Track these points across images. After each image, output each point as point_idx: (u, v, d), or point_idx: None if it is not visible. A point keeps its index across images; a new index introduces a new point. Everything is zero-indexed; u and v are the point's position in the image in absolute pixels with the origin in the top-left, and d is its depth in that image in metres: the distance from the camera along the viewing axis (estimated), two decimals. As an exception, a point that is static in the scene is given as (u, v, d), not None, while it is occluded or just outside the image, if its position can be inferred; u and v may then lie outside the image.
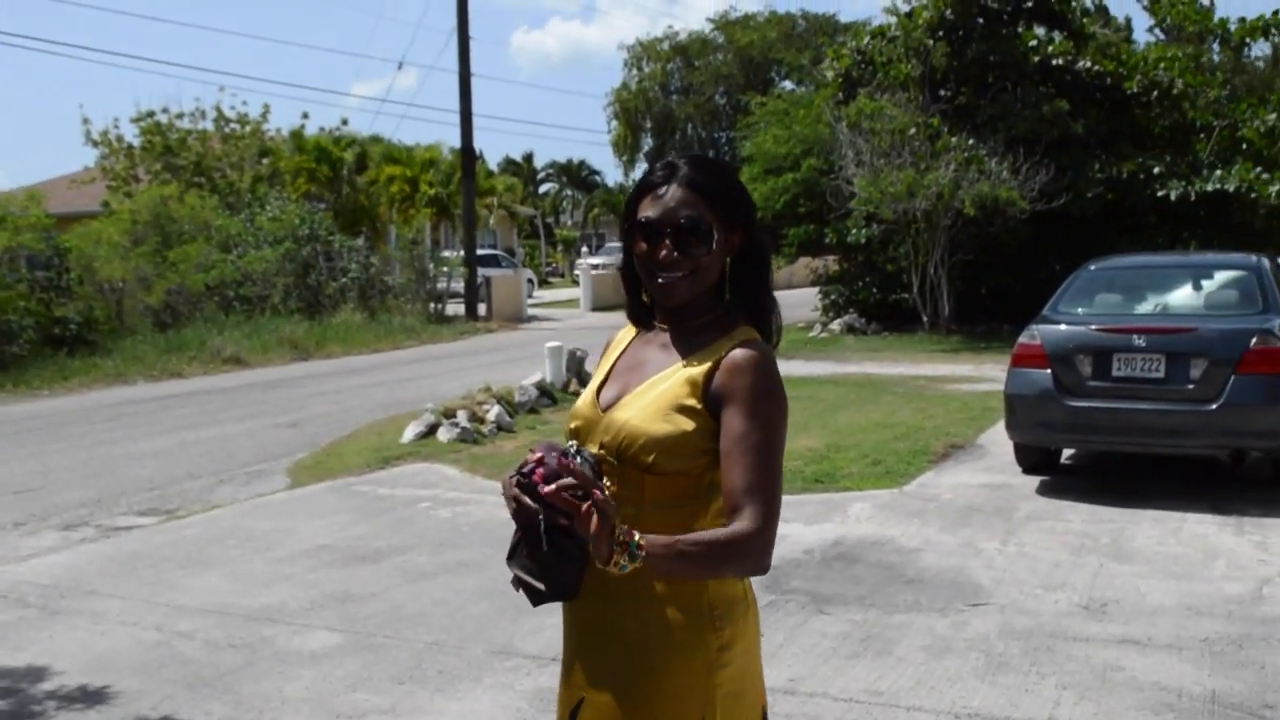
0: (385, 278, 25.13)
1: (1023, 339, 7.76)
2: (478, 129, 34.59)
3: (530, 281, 35.46)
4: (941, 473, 8.33)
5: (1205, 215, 18.39)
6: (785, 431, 1.91)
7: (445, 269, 26.05)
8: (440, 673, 4.62)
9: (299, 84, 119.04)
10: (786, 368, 1.94)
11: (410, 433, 10.15)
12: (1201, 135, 19.20)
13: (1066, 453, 8.56)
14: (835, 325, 20.90)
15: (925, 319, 19.55)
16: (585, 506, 1.68)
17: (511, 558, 2.01)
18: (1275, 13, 19.75)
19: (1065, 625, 4.98)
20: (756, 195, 19.11)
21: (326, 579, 6.02)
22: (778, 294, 2.08)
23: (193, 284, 20.74)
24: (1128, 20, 26.69)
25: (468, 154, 26.75)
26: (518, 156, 63.88)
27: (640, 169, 51.09)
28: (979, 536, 6.50)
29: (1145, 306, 8.02)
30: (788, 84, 39.58)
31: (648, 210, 1.95)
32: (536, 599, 2.00)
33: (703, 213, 1.92)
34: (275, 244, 22.58)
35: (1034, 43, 19.45)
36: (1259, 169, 17.87)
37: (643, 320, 2.10)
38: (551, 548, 1.91)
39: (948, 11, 19.26)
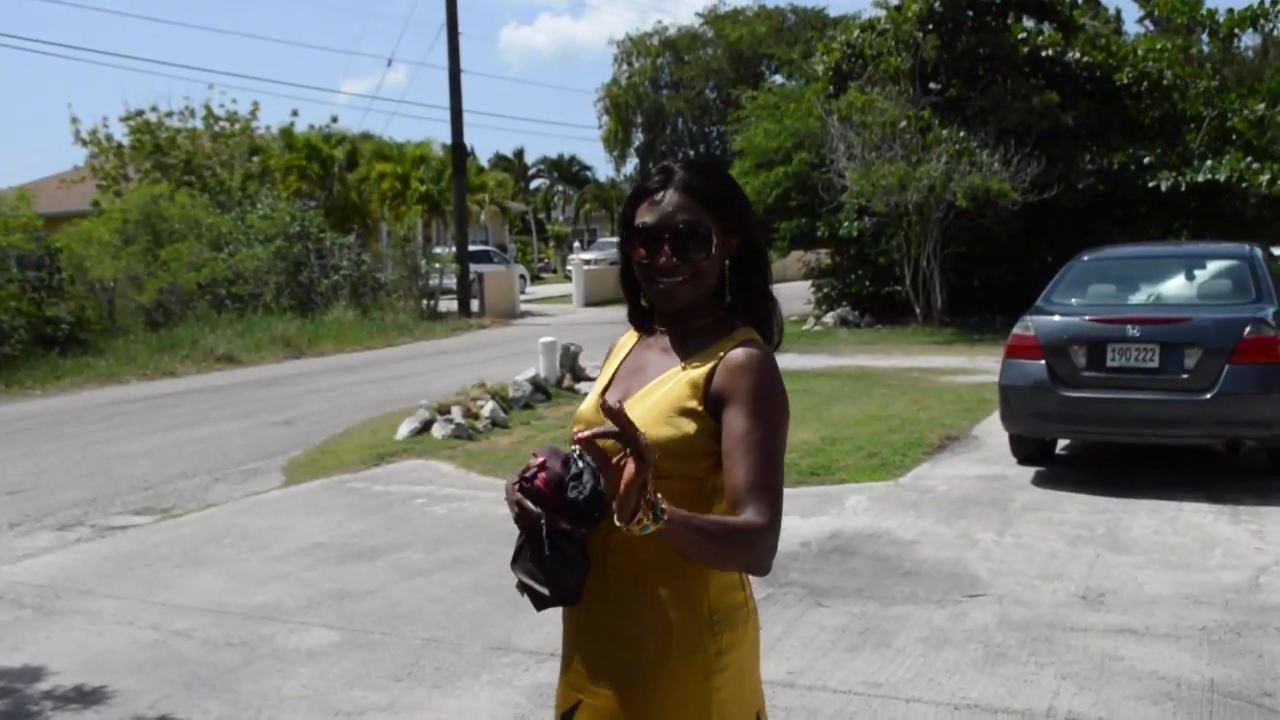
0: (377, 275, 25.09)
1: (1017, 330, 7.77)
2: (468, 125, 34.56)
3: (523, 277, 35.45)
4: (937, 464, 8.33)
5: (1196, 205, 18.45)
6: (787, 433, 1.90)
7: (437, 265, 26.01)
8: (438, 669, 4.61)
9: (288, 81, 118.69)
10: (780, 361, 1.92)
11: (405, 429, 10.13)
12: (1192, 126, 19.24)
13: (1061, 443, 8.58)
14: (828, 318, 20.92)
15: (918, 311, 19.57)
16: (617, 459, 1.63)
17: (515, 562, 2.01)
18: (1263, 3, 19.79)
19: (1063, 616, 4.98)
20: (748, 189, 19.09)
21: (323, 576, 6.00)
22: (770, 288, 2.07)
23: (184, 283, 20.68)
24: (1118, 12, 26.74)
25: (459, 150, 26.69)
26: (508, 152, 63.99)
27: (631, 164, 51.20)
28: (975, 528, 6.50)
29: (1139, 297, 8.03)
30: (778, 78, 39.50)
31: (645, 216, 1.94)
32: (540, 604, 1.99)
33: (700, 217, 1.92)
34: (266, 242, 22.53)
35: (1023, 35, 19.48)
36: (1249, 159, 17.91)
37: (643, 324, 2.10)
38: (554, 552, 1.91)
39: (937, 4, 19.29)
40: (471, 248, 28.21)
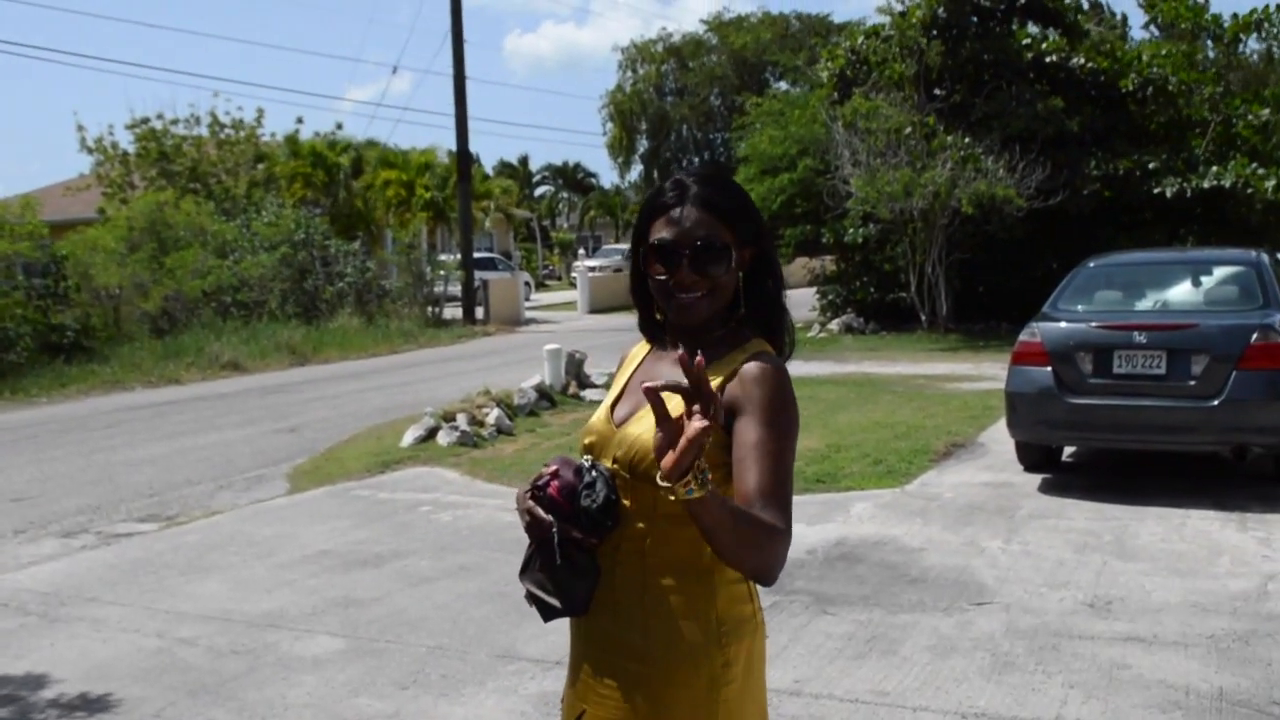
0: (382, 282, 25.12)
1: (1023, 336, 7.75)
2: (473, 132, 34.56)
3: (527, 284, 35.44)
4: (943, 471, 8.31)
5: (1202, 211, 18.40)
6: (796, 446, 1.89)
7: (442, 272, 26.03)
8: (444, 677, 4.60)
9: (294, 89, 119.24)
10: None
11: (409, 437, 10.12)
12: (1197, 131, 19.21)
13: (1068, 450, 8.56)
14: (833, 325, 20.90)
15: (923, 318, 19.55)
16: (679, 415, 1.59)
17: (524, 572, 2.00)
18: (1267, 7, 19.77)
19: (1070, 624, 4.96)
20: (753, 195, 19.00)
21: (328, 584, 6.00)
22: None
23: (189, 290, 20.69)
24: (1124, 17, 26.69)
25: (464, 157, 26.71)
26: (513, 159, 63.92)
27: (636, 171, 51.23)
28: (982, 535, 6.48)
29: (1145, 303, 8.01)
30: (782, 85, 39.56)
31: (662, 232, 1.92)
32: (549, 614, 1.99)
33: (719, 232, 1.91)
34: (271, 249, 22.56)
35: (1028, 40, 19.47)
36: (1254, 165, 17.87)
37: (655, 335, 2.10)
38: (564, 561, 1.90)
39: (941, 10, 19.28)
40: (476, 255, 28.23)
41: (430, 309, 25.19)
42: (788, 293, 2.07)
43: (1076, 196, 18.03)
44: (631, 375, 2.09)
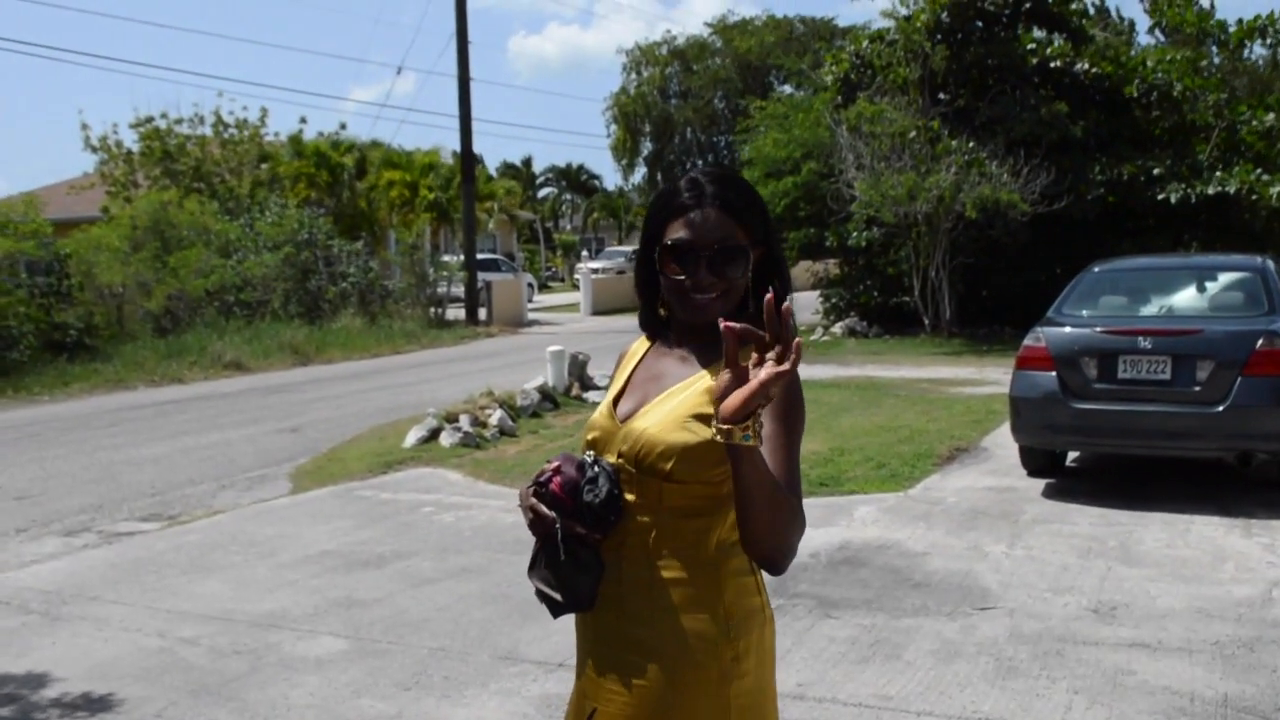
0: (385, 282, 25.11)
1: (1028, 341, 7.73)
2: (477, 133, 34.58)
3: (530, 286, 35.46)
4: (946, 476, 8.30)
5: (1206, 217, 18.38)
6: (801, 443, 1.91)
7: (445, 273, 26.02)
8: (446, 679, 4.59)
9: (298, 89, 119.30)
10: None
11: (412, 437, 10.12)
12: (1202, 137, 19.19)
13: (1072, 455, 8.54)
14: (837, 329, 20.89)
15: (926, 322, 19.54)
16: (753, 362, 1.63)
17: (532, 569, 2.00)
18: (1272, 13, 19.75)
19: (1075, 629, 4.95)
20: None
21: (330, 584, 5.99)
22: None
23: (193, 289, 20.69)
24: (1131, 24, 26.60)
25: (468, 158, 26.72)
26: (516, 161, 63.95)
27: (640, 173, 51.21)
28: (985, 540, 6.47)
29: (1150, 308, 8.00)
30: (786, 88, 39.53)
31: (679, 233, 1.91)
32: (556, 610, 1.99)
33: (736, 234, 1.91)
34: (275, 249, 22.56)
35: (1032, 45, 19.46)
36: (1259, 171, 17.85)
37: (656, 330, 2.09)
38: (569, 557, 1.90)
39: (944, 15, 19.27)
40: (479, 256, 28.25)
41: (433, 310, 25.18)
42: (793, 295, 2.06)
43: (1081, 202, 18.02)
44: (633, 371, 2.08)
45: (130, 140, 27.49)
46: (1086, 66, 19.34)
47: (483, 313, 26.21)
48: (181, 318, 20.59)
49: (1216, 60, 21.16)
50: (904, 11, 19.95)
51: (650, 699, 1.89)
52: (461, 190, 26.95)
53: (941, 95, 19.61)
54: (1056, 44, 19.70)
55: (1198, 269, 8.63)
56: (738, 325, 1.63)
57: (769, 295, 1.62)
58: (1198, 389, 7.02)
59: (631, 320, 2.14)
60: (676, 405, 1.90)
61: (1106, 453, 8.32)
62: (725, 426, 1.63)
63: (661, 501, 1.88)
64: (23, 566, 6.61)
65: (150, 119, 27.21)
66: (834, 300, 21.87)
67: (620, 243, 55.39)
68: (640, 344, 2.14)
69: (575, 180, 66.28)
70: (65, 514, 7.99)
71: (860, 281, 21.37)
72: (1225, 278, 8.12)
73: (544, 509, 1.91)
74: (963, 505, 7.34)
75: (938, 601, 5.38)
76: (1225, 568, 5.83)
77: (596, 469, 1.92)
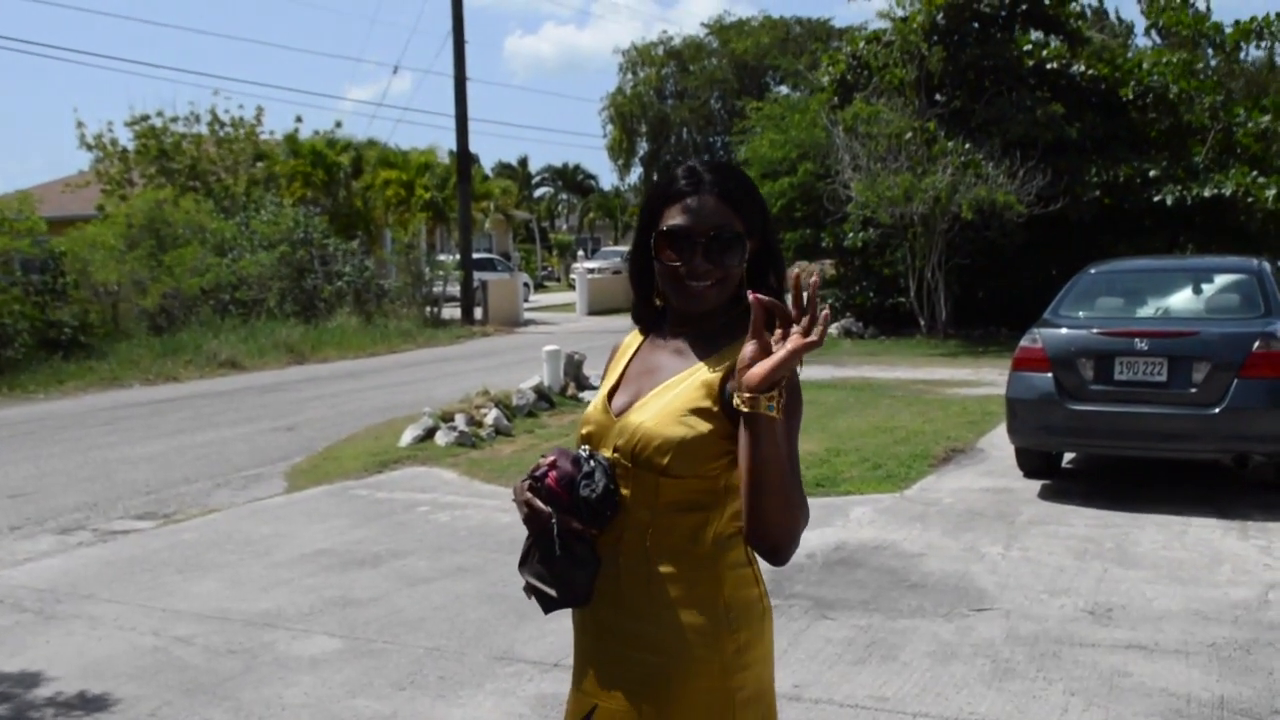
0: (381, 282, 25.08)
1: (1024, 342, 7.73)
2: (473, 133, 34.50)
3: (526, 285, 35.42)
4: (942, 477, 8.29)
5: (1201, 219, 18.40)
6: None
7: (441, 273, 25.99)
8: (441, 679, 4.58)
9: (294, 88, 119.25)
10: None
11: (408, 436, 10.10)
12: (1198, 139, 19.21)
13: (1068, 457, 8.54)
14: (832, 329, 20.85)
15: (922, 323, 19.55)
16: (778, 335, 1.66)
17: (523, 564, 1.99)
18: (1267, 15, 19.77)
19: (1071, 631, 4.94)
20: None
21: (325, 584, 5.97)
22: None
23: (188, 288, 20.66)
24: (1129, 26, 26.63)
25: (464, 158, 26.69)
26: (512, 160, 63.93)
27: (636, 173, 51.23)
28: (981, 541, 6.47)
29: (1147, 310, 8.00)
30: (783, 89, 39.53)
31: (676, 219, 1.91)
32: (548, 605, 1.97)
33: (733, 222, 1.90)
34: (270, 248, 22.53)
35: (1028, 47, 19.46)
36: (1255, 173, 17.88)
37: (650, 323, 2.08)
38: (564, 552, 1.89)
39: (939, 16, 19.27)
40: (475, 255, 28.21)
41: (429, 309, 25.17)
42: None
43: (1076, 203, 18.04)
44: (627, 365, 2.06)
45: (125, 138, 27.51)
46: (1082, 68, 19.36)
47: (478, 312, 26.20)
48: (177, 316, 20.55)
49: (1212, 62, 21.19)
50: (900, 13, 19.96)
51: (653, 693, 1.88)
52: (457, 189, 26.93)
53: (938, 96, 19.63)
54: (1053, 46, 19.71)
55: (1194, 271, 8.63)
56: (766, 298, 1.66)
57: (800, 271, 1.65)
58: (1194, 391, 7.02)
59: (627, 320, 2.13)
60: (673, 399, 1.89)
61: (1103, 454, 8.32)
62: (749, 395, 1.64)
63: (658, 496, 1.87)
64: (17, 565, 6.59)
65: (146, 117, 27.19)
66: (830, 301, 21.85)
67: (616, 243, 55.38)
68: (634, 337, 2.12)
69: (571, 180, 66.26)
70: (60, 512, 7.97)
71: (856, 282, 21.40)
72: (1221, 280, 8.12)
73: (539, 504, 1.90)
74: (959, 506, 7.33)
75: (934, 603, 5.38)
76: (1222, 570, 5.83)
77: (593, 464, 1.90)
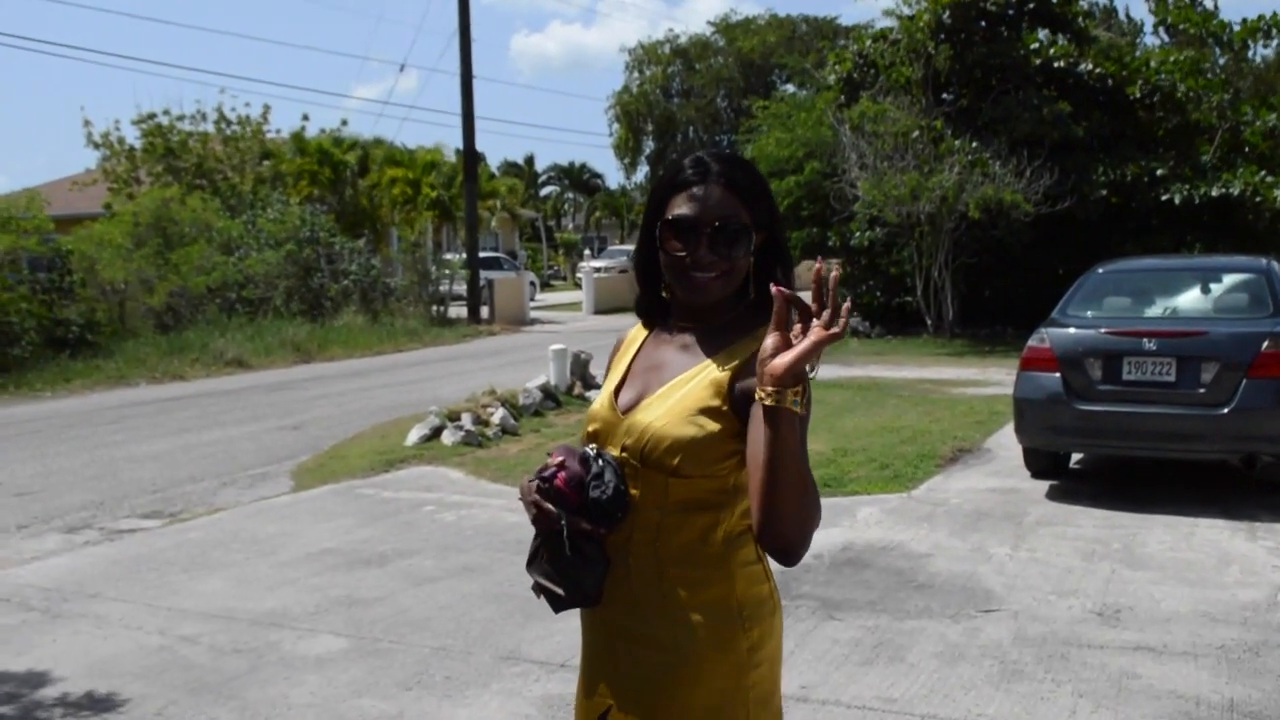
0: (387, 280, 25.07)
1: (1032, 342, 7.71)
2: (479, 131, 34.54)
3: (533, 284, 35.44)
4: (950, 477, 8.27)
5: (1209, 219, 18.35)
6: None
7: (447, 271, 25.99)
8: (447, 679, 4.57)
9: (300, 86, 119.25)
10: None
11: (414, 435, 10.10)
12: (1205, 138, 19.16)
13: (1075, 457, 8.51)
14: (839, 328, 20.82)
15: (929, 322, 19.52)
16: (798, 328, 1.65)
17: (531, 564, 1.97)
18: (1275, 14, 19.71)
19: (1079, 632, 4.92)
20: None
21: (331, 583, 5.97)
22: None
23: (194, 286, 20.68)
24: (1138, 24, 26.57)
25: (470, 156, 26.69)
26: (519, 159, 63.93)
27: (642, 172, 51.19)
28: (989, 541, 6.45)
29: (1155, 310, 7.97)
30: (789, 87, 39.48)
31: (682, 208, 1.89)
32: (558, 605, 1.95)
33: (739, 213, 1.88)
34: (277, 246, 22.53)
35: (1035, 45, 19.42)
36: (1263, 172, 17.82)
37: (655, 317, 2.05)
38: (574, 552, 1.87)
39: (946, 15, 19.23)
40: (482, 254, 28.22)
41: (435, 308, 25.16)
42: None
43: (1084, 202, 17.99)
44: (632, 360, 2.04)
45: (132, 137, 27.50)
46: (1090, 67, 19.31)
47: (485, 311, 26.20)
48: (183, 314, 20.57)
49: (1220, 61, 21.13)
50: (907, 11, 19.92)
51: (667, 695, 1.86)
52: (464, 188, 26.93)
53: (944, 95, 19.60)
54: (1060, 44, 19.66)
55: (1202, 270, 8.60)
56: (788, 290, 1.65)
57: (821, 264, 1.64)
58: (1202, 391, 6.99)
59: (633, 319, 2.11)
60: (682, 398, 1.87)
61: (1111, 454, 8.29)
62: (774, 389, 1.62)
63: (668, 496, 1.86)
64: (23, 563, 6.59)
65: (153, 115, 27.19)
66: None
67: (622, 241, 55.33)
68: (638, 331, 2.10)
69: (577, 179, 66.23)
70: (66, 511, 7.98)
71: (863, 281, 21.35)
72: (1230, 279, 8.09)
73: (548, 505, 1.88)
74: (966, 507, 7.31)
75: (941, 603, 5.36)
76: (1230, 571, 5.81)
77: (602, 463, 1.88)
